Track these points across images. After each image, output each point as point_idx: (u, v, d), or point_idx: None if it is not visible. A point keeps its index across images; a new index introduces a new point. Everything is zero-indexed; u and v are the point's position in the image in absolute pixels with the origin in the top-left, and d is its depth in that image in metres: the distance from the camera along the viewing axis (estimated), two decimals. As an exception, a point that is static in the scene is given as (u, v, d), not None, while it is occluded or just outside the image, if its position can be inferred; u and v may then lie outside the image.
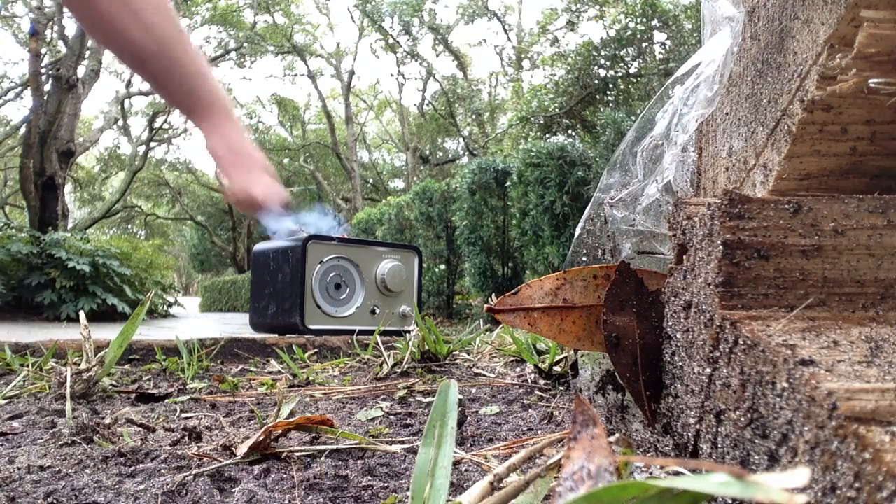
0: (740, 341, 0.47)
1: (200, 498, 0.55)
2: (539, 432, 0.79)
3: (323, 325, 2.41)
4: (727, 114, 0.78)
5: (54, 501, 0.54)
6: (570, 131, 11.18)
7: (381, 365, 1.35)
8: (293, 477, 0.60)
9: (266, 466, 0.63)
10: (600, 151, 7.42)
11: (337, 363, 1.59)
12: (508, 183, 7.85)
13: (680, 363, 0.60)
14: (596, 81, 10.53)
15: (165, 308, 9.74)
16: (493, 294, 0.93)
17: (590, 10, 12.02)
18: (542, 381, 1.19)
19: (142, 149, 21.46)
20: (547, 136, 10.42)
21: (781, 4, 0.64)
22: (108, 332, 1.46)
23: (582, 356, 0.90)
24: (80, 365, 1.10)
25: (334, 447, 0.69)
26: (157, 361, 1.58)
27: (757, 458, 0.44)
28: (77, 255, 7.94)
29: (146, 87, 19.19)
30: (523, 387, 1.16)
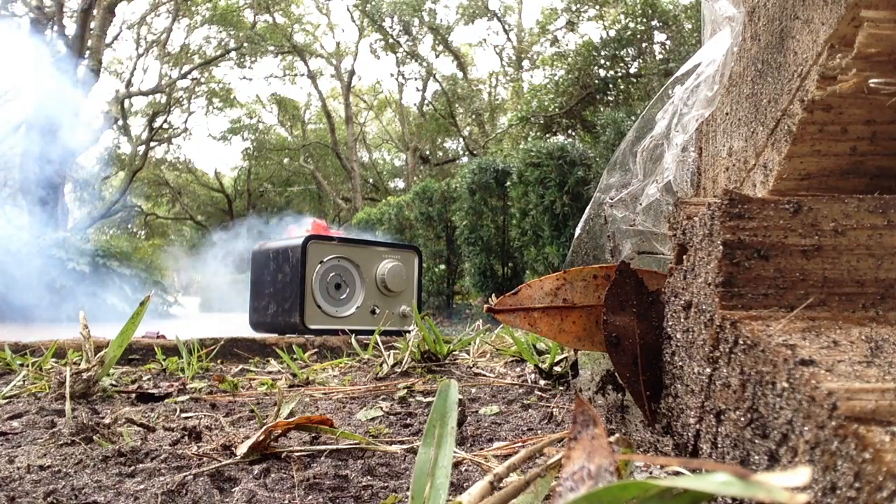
0: (740, 341, 0.47)
1: (200, 498, 0.55)
2: (539, 432, 0.79)
3: (323, 325, 2.41)
4: (727, 114, 0.78)
5: (54, 501, 0.54)
6: (570, 131, 11.18)
7: (381, 365, 1.35)
8: (293, 477, 0.60)
9: (266, 466, 0.63)
10: (600, 151, 7.43)
11: (337, 363, 1.59)
12: (508, 183, 7.85)
13: (680, 363, 0.60)
14: (596, 81, 10.53)
15: (165, 308, 9.77)
16: (493, 294, 0.93)
17: (590, 10, 12.03)
18: (542, 381, 1.19)
19: (142, 148, 21.43)
20: (547, 136, 10.42)
21: (781, 4, 0.64)
22: (108, 332, 1.46)
23: (582, 356, 0.90)
24: (79, 365, 1.10)
25: (334, 447, 0.69)
26: (157, 361, 1.58)
27: (757, 457, 0.44)
28: (77, 255, 7.95)
29: (146, 86, 19.18)
30: (523, 387, 1.16)
